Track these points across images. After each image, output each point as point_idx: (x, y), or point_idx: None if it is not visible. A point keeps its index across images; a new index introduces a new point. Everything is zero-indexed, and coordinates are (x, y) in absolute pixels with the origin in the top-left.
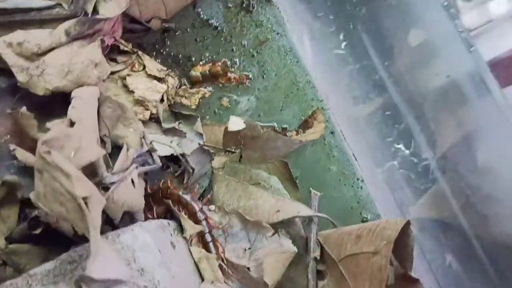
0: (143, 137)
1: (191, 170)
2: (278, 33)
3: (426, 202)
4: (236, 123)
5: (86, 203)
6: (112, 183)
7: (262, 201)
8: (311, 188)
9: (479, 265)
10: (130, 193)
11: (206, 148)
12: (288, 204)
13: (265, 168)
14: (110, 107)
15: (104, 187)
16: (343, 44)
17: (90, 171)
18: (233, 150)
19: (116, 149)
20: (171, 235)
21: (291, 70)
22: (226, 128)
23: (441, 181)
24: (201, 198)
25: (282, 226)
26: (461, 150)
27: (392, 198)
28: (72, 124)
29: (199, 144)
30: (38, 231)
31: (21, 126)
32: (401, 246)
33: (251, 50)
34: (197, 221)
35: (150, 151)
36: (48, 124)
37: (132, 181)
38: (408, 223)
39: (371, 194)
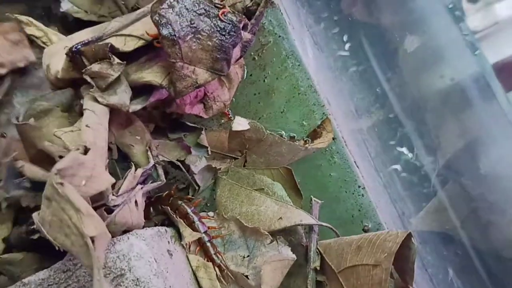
0: (149, 149)
1: (197, 188)
2: (280, 36)
3: (428, 213)
4: (240, 124)
5: (92, 241)
6: (116, 205)
7: (265, 208)
8: (312, 196)
9: (481, 280)
10: (132, 215)
11: (212, 166)
12: (290, 211)
13: (269, 174)
14: (118, 114)
15: (107, 209)
16: (346, 47)
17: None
18: (238, 157)
19: (120, 156)
20: (168, 242)
21: (292, 74)
22: (231, 129)
23: (444, 190)
24: (205, 210)
25: (284, 234)
26: (464, 157)
27: (393, 207)
28: (86, 150)
29: (205, 157)
30: (36, 237)
31: (29, 138)
32: (402, 259)
33: (252, 53)
34: (191, 224)
35: (156, 165)
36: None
37: (136, 202)
38: (409, 235)
39: (372, 202)
